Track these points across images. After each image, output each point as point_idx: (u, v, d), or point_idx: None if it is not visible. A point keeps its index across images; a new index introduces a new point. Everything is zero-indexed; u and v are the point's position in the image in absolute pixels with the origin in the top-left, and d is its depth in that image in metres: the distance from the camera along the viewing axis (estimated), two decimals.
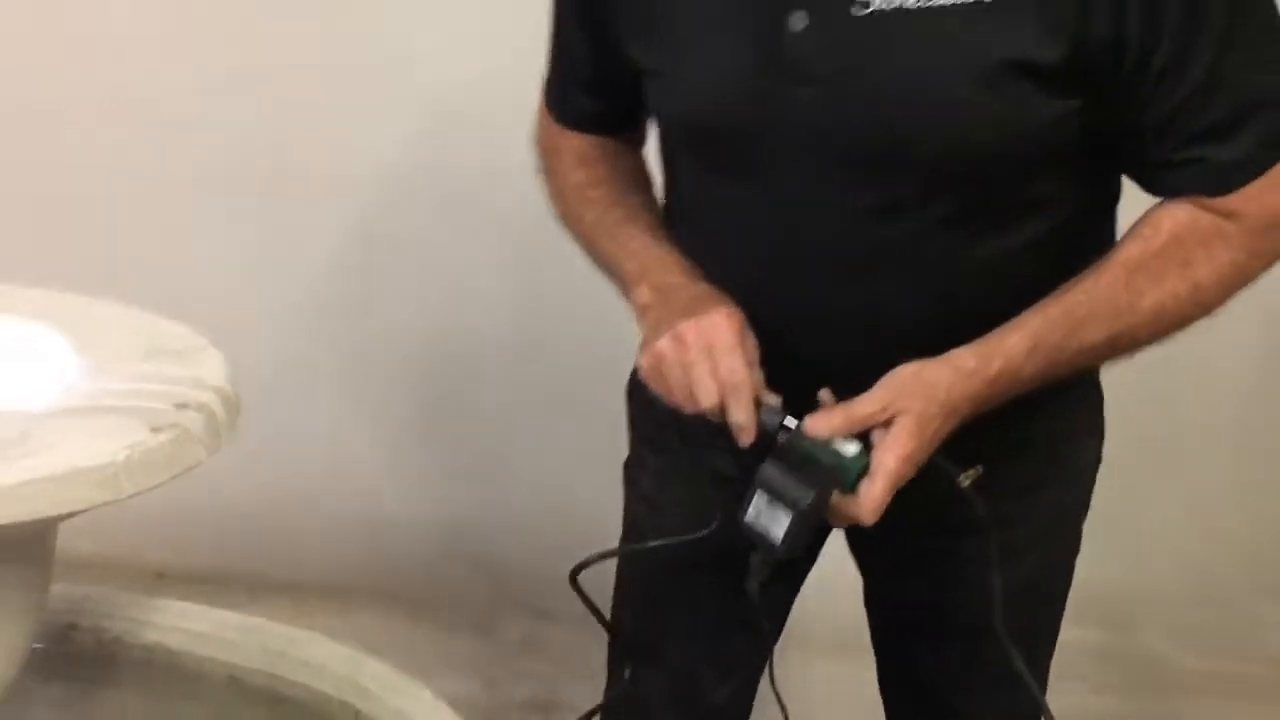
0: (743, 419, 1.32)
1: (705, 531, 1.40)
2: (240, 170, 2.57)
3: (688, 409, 1.34)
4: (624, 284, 1.47)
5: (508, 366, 2.69)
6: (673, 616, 1.60)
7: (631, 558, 1.61)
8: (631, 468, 1.65)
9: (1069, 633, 1.60)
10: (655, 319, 1.39)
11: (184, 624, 1.56)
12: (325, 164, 2.56)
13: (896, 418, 1.30)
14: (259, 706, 1.52)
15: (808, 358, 1.39)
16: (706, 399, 1.32)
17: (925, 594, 1.54)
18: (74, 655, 1.31)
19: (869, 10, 1.29)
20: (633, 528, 1.64)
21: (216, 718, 1.53)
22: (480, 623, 2.69)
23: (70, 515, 1.12)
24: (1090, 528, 1.58)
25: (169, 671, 1.54)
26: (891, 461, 1.30)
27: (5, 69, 2.52)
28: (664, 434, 1.58)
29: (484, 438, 2.73)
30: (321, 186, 2.57)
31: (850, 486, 1.30)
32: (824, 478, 1.30)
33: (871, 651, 1.65)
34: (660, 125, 1.51)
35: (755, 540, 1.33)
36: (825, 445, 1.31)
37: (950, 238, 1.36)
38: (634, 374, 1.60)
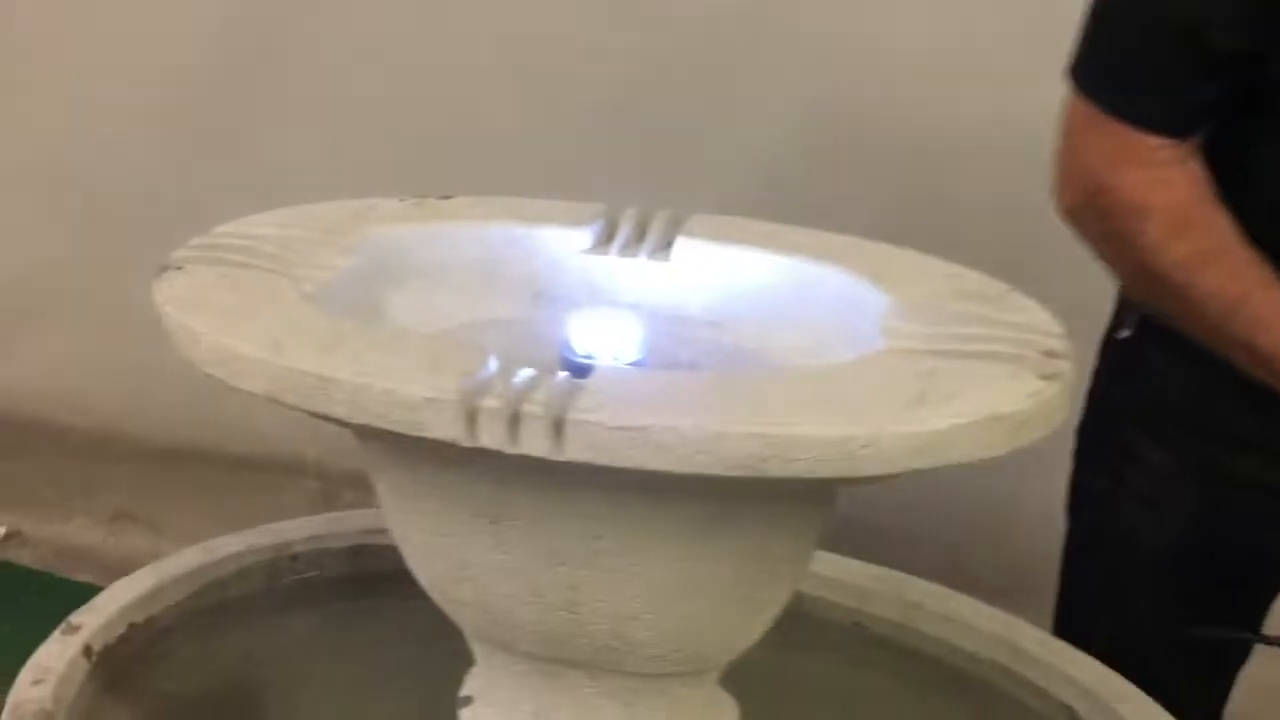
0: None
1: None
2: None
3: None
4: None
5: None
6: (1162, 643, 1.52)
7: (1126, 581, 1.55)
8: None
9: None
10: None
11: (813, 569, 1.52)
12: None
13: None
14: (888, 658, 1.50)
15: None
16: None
17: None
18: None
19: None
20: (1120, 527, 1.55)
21: (846, 665, 1.50)
22: None
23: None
24: None
25: (794, 617, 1.51)
26: None
27: None
28: (1171, 424, 1.48)
29: None
30: None
31: None
32: None
33: None
34: None
35: None
36: None
37: None
38: (1123, 349, 1.53)
